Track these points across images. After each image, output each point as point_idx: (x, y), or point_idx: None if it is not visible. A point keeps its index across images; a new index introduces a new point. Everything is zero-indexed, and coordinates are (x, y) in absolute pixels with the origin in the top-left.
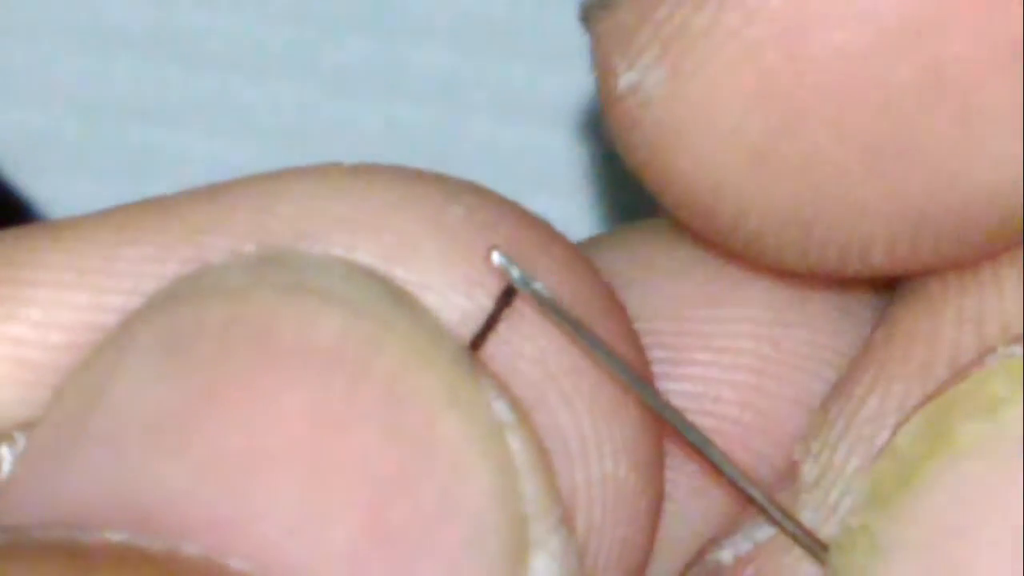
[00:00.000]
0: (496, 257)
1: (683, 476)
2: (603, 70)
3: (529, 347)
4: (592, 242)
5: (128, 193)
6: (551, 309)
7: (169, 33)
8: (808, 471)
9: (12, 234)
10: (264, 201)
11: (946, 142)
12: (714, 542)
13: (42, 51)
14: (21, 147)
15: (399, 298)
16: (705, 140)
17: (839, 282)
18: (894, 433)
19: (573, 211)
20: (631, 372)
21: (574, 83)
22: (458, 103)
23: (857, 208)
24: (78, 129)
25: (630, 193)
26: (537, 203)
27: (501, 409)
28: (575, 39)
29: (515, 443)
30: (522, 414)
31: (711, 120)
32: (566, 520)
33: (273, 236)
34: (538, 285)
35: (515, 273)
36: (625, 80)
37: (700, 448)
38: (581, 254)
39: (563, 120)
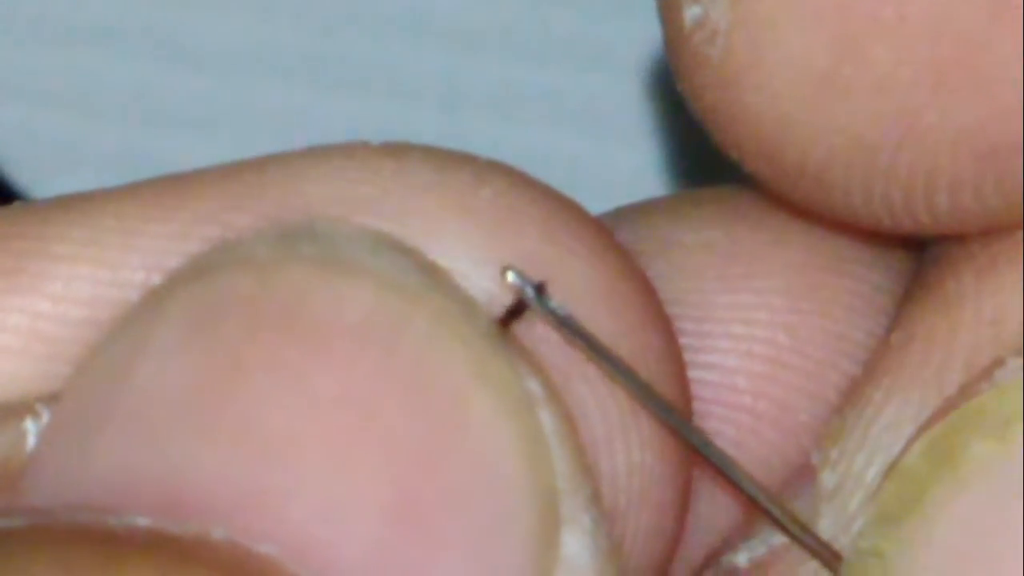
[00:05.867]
0: (511, 276)
1: (698, 476)
2: (669, 9)
3: (555, 332)
4: (610, 217)
5: None
6: (567, 329)
7: (169, 33)
8: (827, 480)
9: (33, 207)
10: (291, 180)
11: (1008, 69)
12: (729, 545)
13: (42, 51)
14: (21, 146)
15: (429, 272)
16: (770, 68)
17: (869, 262)
18: (902, 453)
19: None
20: (646, 390)
21: (575, 84)
22: (459, 103)
23: (922, 136)
24: (78, 129)
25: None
26: None
27: (532, 385)
28: (577, 39)
29: (546, 419)
30: (553, 390)
31: (775, 46)
32: (597, 498)
33: (299, 216)
34: (553, 304)
35: (529, 292)
36: (690, 15)
37: (725, 471)
38: (613, 238)
39: (564, 121)
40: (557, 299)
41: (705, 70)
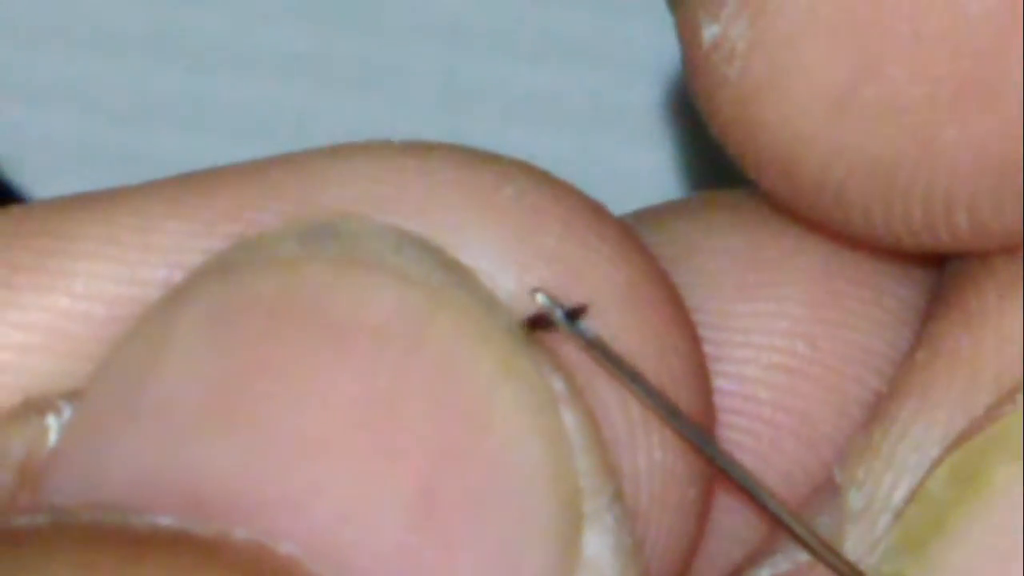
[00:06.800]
0: (541, 299)
1: (722, 490)
2: (687, 28)
3: (585, 353)
4: (627, 219)
5: None
6: (596, 351)
7: (169, 33)
8: (854, 500)
9: (53, 205)
10: (312, 178)
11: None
12: (752, 560)
13: (42, 51)
14: (21, 147)
15: (452, 269)
16: (789, 88)
17: (890, 273)
18: (926, 476)
19: None
20: (676, 413)
21: (575, 84)
22: (460, 104)
23: (940, 154)
24: (78, 129)
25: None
26: None
27: (555, 383)
28: (578, 39)
29: (569, 418)
30: (576, 389)
31: (794, 66)
32: (619, 497)
33: (322, 214)
34: (582, 326)
35: (559, 314)
36: (709, 34)
37: (751, 492)
38: (637, 239)
39: (570, 122)
40: (587, 323)
41: (723, 89)
